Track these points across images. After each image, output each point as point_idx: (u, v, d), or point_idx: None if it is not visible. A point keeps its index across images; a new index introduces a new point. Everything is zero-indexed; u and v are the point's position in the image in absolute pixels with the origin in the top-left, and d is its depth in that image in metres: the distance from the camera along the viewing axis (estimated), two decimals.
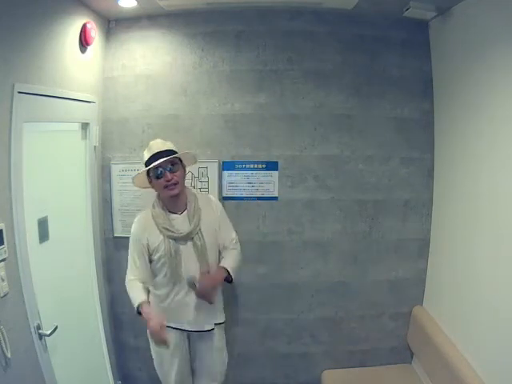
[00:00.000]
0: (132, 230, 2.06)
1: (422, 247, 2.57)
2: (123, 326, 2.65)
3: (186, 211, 2.00)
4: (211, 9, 2.37)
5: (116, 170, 2.52)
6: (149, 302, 1.99)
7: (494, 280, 1.81)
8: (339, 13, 2.38)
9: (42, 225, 1.97)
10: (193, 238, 1.95)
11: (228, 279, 2.03)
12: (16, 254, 1.60)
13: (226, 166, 2.50)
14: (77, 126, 2.29)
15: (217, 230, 2.06)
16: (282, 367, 2.68)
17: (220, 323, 2.11)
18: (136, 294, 1.99)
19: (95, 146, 2.40)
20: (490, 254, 1.86)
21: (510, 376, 1.66)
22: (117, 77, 2.49)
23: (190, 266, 1.96)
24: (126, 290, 2.60)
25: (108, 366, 2.49)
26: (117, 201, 2.54)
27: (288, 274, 2.58)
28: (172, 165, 1.92)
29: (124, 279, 2.60)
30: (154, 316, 1.89)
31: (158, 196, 2.02)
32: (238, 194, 2.52)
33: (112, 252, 2.58)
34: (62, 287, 2.08)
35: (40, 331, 1.70)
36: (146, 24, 2.44)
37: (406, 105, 2.48)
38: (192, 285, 1.94)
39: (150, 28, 2.45)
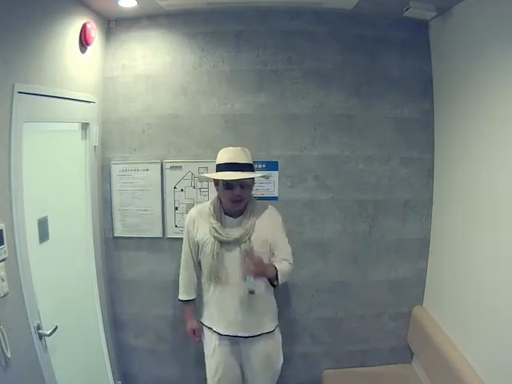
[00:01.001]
0: (186, 219, 2.08)
1: (422, 247, 2.57)
2: (123, 326, 2.65)
3: (241, 216, 1.96)
4: (211, 9, 2.37)
5: (116, 170, 2.52)
6: (193, 301, 2.15)
7: (494, 280, 1.81)
8: (339, 13, 2.38)
9: (42, 225, 1.97)
10: (241, 244, 1.92)
11: (273, 280, 1.95)
12: (16, 254, 1.60)
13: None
14: (77, 126, 2.28)
15: (269, 240, 1.98)
16: (282, 367, 2.68)
17: (267, 332, 2.04)
18: (185, 288, 2.13)
19: (95, 146, 2.40)
20: (489, 254, 1.86)
21: (510, 376, 1.66)
22: (117, 77, 2.49)
23: (233, 271, 1.92)
24: (126, 290, 2.64)
25: (108, 365, 2.49)
26: (117, 201, 2.54)
27: None
28: (244, 180, 1.87)
29: (124, 279, 2.63)
30: (189, 319, 2.13)
31: (219, 197, 2.00)
32: None
33: (112, 252, 2.58)
34: (62, 287, 2.08)
35: (40, 331, 1.70)
36: (145, 24, 2.44)
37: (406, 105, 2.48)
38: (246, 252, 1.88)
39: (150, 28, 2.45)
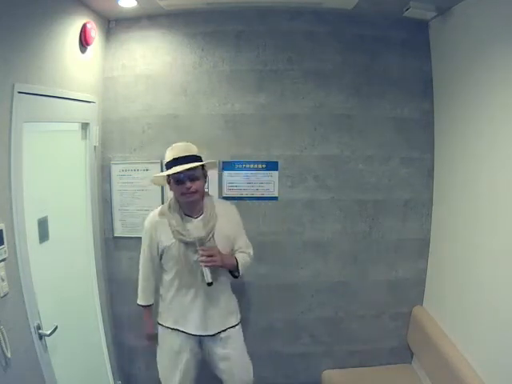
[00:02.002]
0: (145, 224, 2.04)
1: (422, 247, 2.57)
2: (123, 326, 2.65)
3: (202, 216, 1.96)
4: (211, 9, 2.37)
5: (116, 170, 2.52)
6: (151, 306, 2.14)
7: (494, 280, 1.81)
8: (339, 13, 2.38)
9: (42, 225, 1.97)
10: (205, 243, 1.91)
11: (234, 272, 2.00)
12: (16, 254, 1.60)
13: (226, 166, 2.50)
14: (77, 126, 2.29)
15: (231, 237, 2.02)
16: (282, 367, 2.68)
17: (232, 326, 2.06)
18: (145, 294, 2.12)
19: (95, 146, 2.40)
20: (489, 254, 1.86)
21: (510, 376, 1.66)
22: (117, 77, 2.49)
23: (198, 272, 1.91)
24: (126, 290, 2.63)
25: (108, 365, 2.49)
26: (117, 201, 2.54)
27: (288, 274, 2.58)
28: (194, 171, 1.87)
29: (124, 279, 2.63)
30: (148, 322, 2.14)
31: (175, 197, 1.98)
32: (237, 194, 2.52)
33: (112, 252, 2.58)
34: (62, 287, 2.08)
35: (40, 331, 1.70)
36: (145, 24, 2.44)
37: (406, 105, 2.48)
38: (200, 243, 1.88)
39: (150, 28, 2.45)
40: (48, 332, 1.72)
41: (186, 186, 1.86)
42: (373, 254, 2.57)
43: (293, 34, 2.42)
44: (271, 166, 2.50)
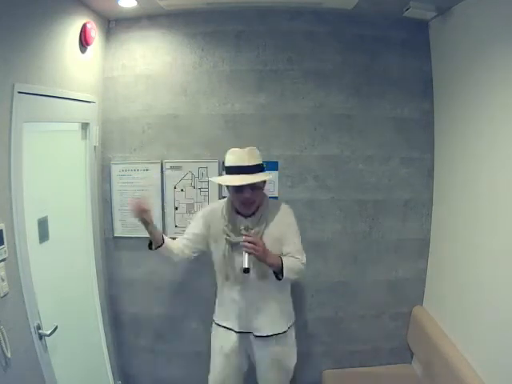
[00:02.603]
0: (204, 208, 2.07)
1: (422, 247, 2.57)
2: (123, 326, 2.65)
3: (253, 217, 1.93)
4: (211, 9, 2.37)
5: (116, 170, 2.52)
6: (162, 240, 1.92)
7: (494, 280, 1.81)
8: (339, 13, 2.38)
9: (42, 225, 1.97)
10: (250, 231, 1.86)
11: (277, 273, 1.89)
12: (16, 254, 1.60)
13: None
14: (77, 126, 2.28)
15: (280, 240, 1.94)
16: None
17: (279, 333, 2.02)
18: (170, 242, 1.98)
19: (95, 146, 2.40)
20: (489, 254, 1.86)
21: (510, 376, 1.66)
22: (117, 77, 2.49)
23: (241, 273, 1.85)
24: (126, 290, 2.64)
25: (108, 365, 2.49)
26: (117, 201, 2.54)
27: None
28: (254, 184, 1.83)
29: (124, 279, 2.63)
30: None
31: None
32: None
33: (112, 252, 2.58)
34: (62, 287, 2.08)
35: (40, 331, 1.70)
36: (145, 24, 2.44)
37: (406, 105, 2.48)
38: (245, 229, 1.83)
39: (150, 28, 2.45)
40: (48, 332, 1.72)
41: (245, 196, 1.84)
42: (373, 254, 2.57)
43: (293, 34, 2.42)
44: (271, 166, 2.49)
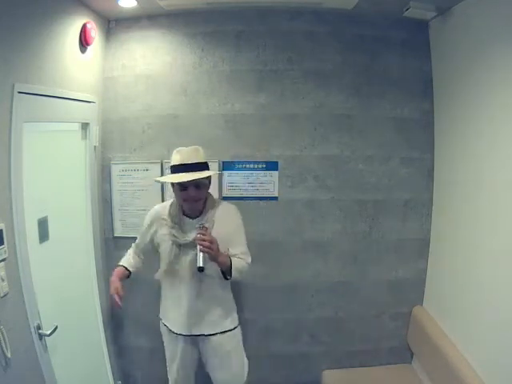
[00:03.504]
0: (149, 213, 2.07)
1: (422, 247, 2.57)
2: (123, 326, 2.65)
3: (199, 217, 1.93)
4: (211, 9, 2.37)
5: (116, 170, 2.52)
6: (127, 270, 2.09)
7: (494, 280, 1.81)
8: (339, 13, 2.38)
9: (42, 225, 1.97)
10: (197, 246, 1.86)
11: (225, 272, 1.90)
12: (16, 254, 1.60)
13: (226, 166, 2.50)
14: (77, 126, 2.29)
15: (226, 241, 1.92)
16: (282, 367, 2.68)
17: (225, 331, 2.03)
18: (124, 258, 2.14)
19: (95, 146, 2.40)
20: (489, 254, 1.86)
21: (510, 376, 1.66)
22: (117, 77, 2.49)
23: (190, 273, 1.91)
24: (126, 290, 2.62)
25: (108, 365, 2.49)
26: (117, 201, 2.54)
27: (288, 274, 2.58)
28: (199, 180, 1.84)
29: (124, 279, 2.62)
30: (114, 276, 2.03)
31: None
32: (237, 194, 2.52)
33: (112, 252, 2.58)
34: (62, 287, 2.08)
35: (40, 331, 1.70)
36: (146, 24, 2.44)
37: (406, 105, 2.48)
38: (200, 227, 1.82)
39: (150, 28, 2.45)
40: (48, 332, 1.72)
41: (190, 194, 1.84)
42: (373, 254, 2.57)
43: (293, 33, 2.42)
44: (271, 166, 2.50)
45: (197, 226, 1.84)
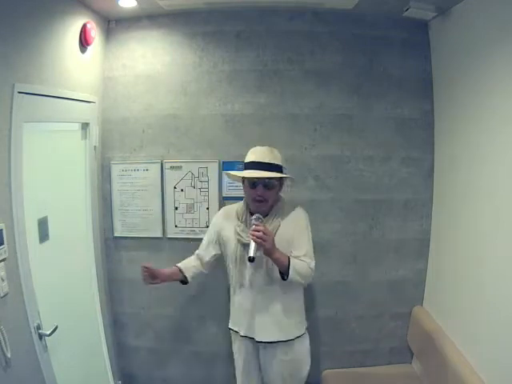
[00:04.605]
0: (219, 212, 2.10)
1: (422, 247, 2.57)
2: (123, 326, 2.65)
3: (266, 217, 1.89)
4: (211, 9, 2.37)
5: (116, 169, 2.52)
6: (182, 274, 2.02)
7: (494, 280, 1.81)
8: (339, 13, 2.38)
9: (42, 225, 1.97)
10: (263, 223, 1.83)
11: (283, 273, 1.84)
12: (16, 253, 1.60)
13: (226, 165, 2.49)
14: (77, 126, 2.29)
15: (291, 243, 1.90)
16: None
17: (292, 339, 1.96)
18: (184, 261, 2.07)
19: (95, 146, 2.40)
20: (490, 254, 1.86)
21: (510, 376, 1.66)
22: (117, 77, 2.49)
23: (255, 272, 1.89)
24: (126, 290, 2.64)
25: (108, 365, 2.49)
26: (117, 201, 2.54)
27: None
28: (268, 180, 1.83)
29: (124, 279, 2.63)
30: (161, 269, 1.97)
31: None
32: (238, 194, 2.51)
33: (112, 252, 2.58)
34: (62, 287, 2.08)
35: (40, 331, 1.70)
36: (146, 24, 2.44)
37: (406, 105, 2.47)
38: (256, 219, 1.81)
39: (150, 28, 2.45)
40: (48, 332, 1.72)
41: (258, 193, 1.84)
42: (373, 254, 2.57)
43: (293, 33, 2.42)
44: None
45: (253, 217, 1.83)
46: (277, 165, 1.88)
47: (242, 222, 1.93)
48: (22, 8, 1.63)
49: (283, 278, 1.85)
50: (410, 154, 2.51)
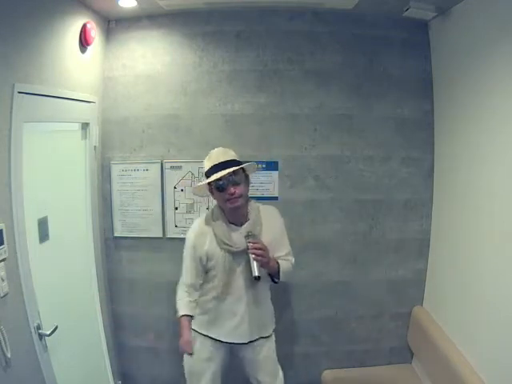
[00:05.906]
0: (188, 235, 1.99)
1: (422, 247, 2.57)
2: (123, 326, 2.65)
3: (246, 224, 1.90)
4: (211, 9, 2.37)
5: (116, 169, 2.52)
6: (191, 317, 1.99)
7: (494, 280, 1.81)
8: (339, 13, 2.38)
9: (42, 225, 1.97)
10: (256, 237, 1.85)
11: (275, 276, 1.93)
12: (16, 253, 1.60)
13: None
14: (77, 126, 2.28)
15: (273, 244, 1.93)
16: (282, 367, 2.67)
17: (267, 336, 2.03)
18: (182, 305, 2.00)
19: (95, 146, 2.40)
20: (490, 254, 1.86)
21: (510, 376, 1.66)
22: (117, 77, 2.49)
23: (243, 280, 1.90)
24: (126, 290, 2.64)
25: (108, 365, 2.49)
26: (117, 201, 2.54)
27: None
28: (235, 175, 1.83)
29: (124, 279, 2.62)
30: (186, 333, 1.96)
31: (219, 206, 1.95)
32: None
33: (112, 252, 2.58)
34: (62, 287, 2.08)
35: (40, 331, 1.70)
36: (146, 24, 2.44)
37: (406, 105, 2.48)
38: (250, 236, 1.83)
39: (150, 28, 2.45)
40: (48, 332, 1.71)
41: (229, 192, 1.82)
42: (373, 254, 2.57)
43: (293, 33, 2.42)
44: (271, 166, 2.50)
45: (245, 235, 1.84)
46: (234, 160, 1.88)
47: (224, 232, 1.88)
48: (21, 8, 1.63)
49: (274, 281, 1.94)
50: (410, 154, 2.51)
